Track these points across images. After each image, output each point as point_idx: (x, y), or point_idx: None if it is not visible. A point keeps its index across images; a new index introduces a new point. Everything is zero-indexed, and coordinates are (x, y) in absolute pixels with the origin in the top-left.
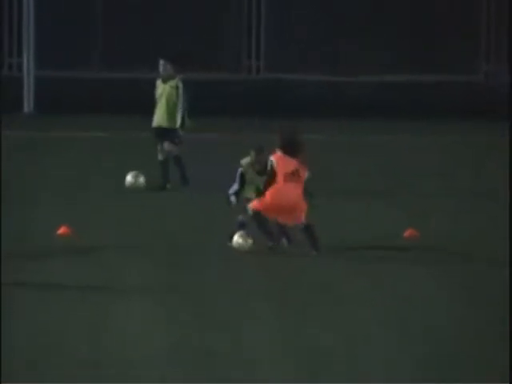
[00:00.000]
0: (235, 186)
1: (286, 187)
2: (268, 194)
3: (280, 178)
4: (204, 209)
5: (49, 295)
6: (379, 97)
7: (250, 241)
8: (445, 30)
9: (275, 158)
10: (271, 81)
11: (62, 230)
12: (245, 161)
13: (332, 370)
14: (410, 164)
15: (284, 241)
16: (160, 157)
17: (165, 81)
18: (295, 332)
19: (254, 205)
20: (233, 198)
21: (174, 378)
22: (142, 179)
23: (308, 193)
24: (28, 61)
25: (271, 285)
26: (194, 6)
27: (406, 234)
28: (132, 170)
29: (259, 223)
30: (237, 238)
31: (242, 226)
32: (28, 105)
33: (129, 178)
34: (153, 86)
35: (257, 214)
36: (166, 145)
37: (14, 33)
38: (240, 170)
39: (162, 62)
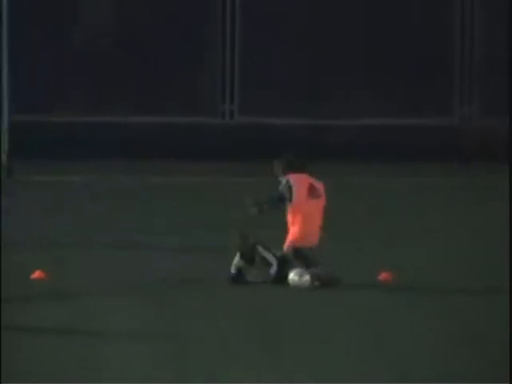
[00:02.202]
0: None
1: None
2: None
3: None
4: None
5: (30, 339)
6: (358, 140)
7: (306, 277)
8: (419, 72)
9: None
10: (247, 125)
11: (36, 274)
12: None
13: None
14: (386, 204)
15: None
16: None
17: None
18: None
19: None
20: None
21: None
22: None
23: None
24: (1, 106)
25: (261, 327)
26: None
27: (381, 276)
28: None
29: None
30: (292, 276)
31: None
32: (3, 150)
33: None
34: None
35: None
36: None
37: None
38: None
39: None
